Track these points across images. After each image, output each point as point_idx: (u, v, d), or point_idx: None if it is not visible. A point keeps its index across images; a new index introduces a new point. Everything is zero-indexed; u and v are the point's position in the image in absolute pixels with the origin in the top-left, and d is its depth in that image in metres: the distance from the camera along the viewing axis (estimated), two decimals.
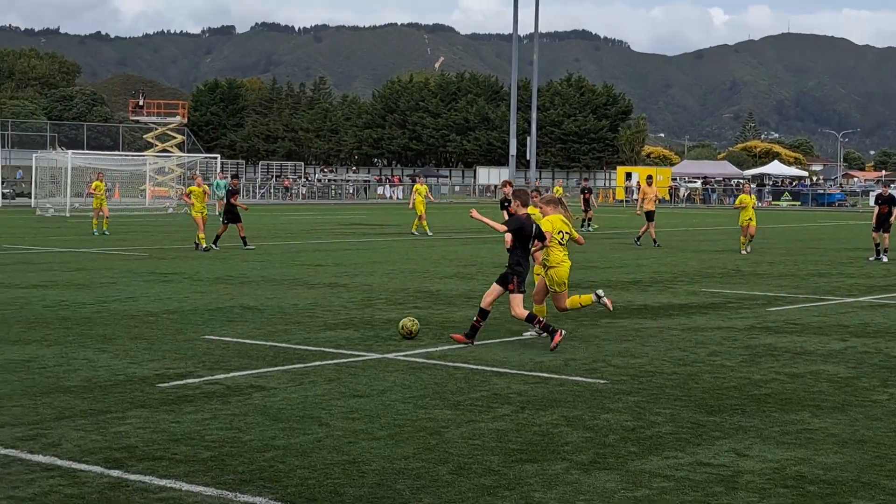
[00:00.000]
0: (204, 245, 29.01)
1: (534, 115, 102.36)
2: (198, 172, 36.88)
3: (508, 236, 13.53)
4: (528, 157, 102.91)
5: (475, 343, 13.71)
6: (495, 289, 13.68)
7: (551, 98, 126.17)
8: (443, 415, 9.75)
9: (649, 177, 37.17)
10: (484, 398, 10.51)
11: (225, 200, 31.95)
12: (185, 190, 33.82)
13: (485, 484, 7.64)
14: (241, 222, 30.57)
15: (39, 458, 8.10)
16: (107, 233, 36.46)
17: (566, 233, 14.12)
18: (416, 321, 14.27)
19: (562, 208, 14.38)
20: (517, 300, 13.52)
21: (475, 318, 13.78)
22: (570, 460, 8.32)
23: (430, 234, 37.80)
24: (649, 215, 33.34)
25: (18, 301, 17.51)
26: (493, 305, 13.77)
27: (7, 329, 14.50)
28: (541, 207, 14.52)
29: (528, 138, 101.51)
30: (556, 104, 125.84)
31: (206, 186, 31.40)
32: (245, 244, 29.95)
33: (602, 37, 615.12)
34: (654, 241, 33.03)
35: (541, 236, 13.78)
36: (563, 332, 13.44)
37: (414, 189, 40.60)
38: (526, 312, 13.56)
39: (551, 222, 14.07)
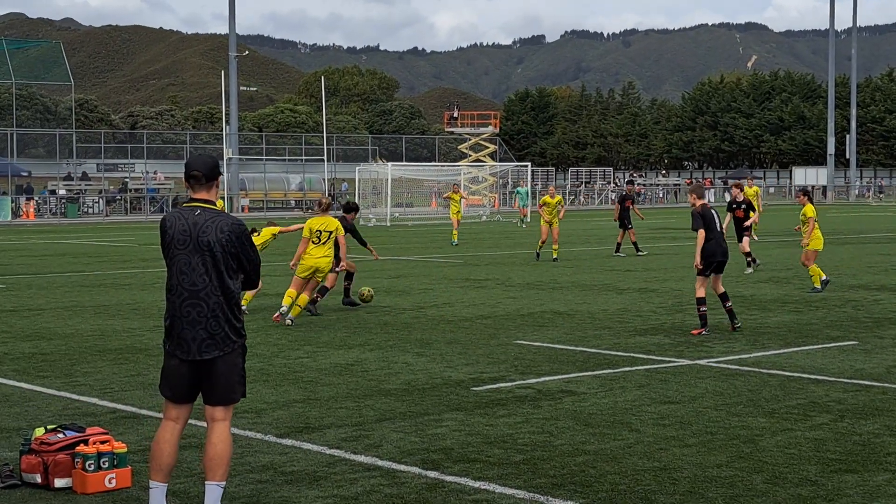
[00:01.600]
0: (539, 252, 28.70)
1: (853, 111, 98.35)
2: (552, 185, 36.55)
3: (701, 233, 15.07)
4: (847, 156, 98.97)
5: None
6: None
7: (871, 94, 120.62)
8: (757, 423, 9.54)
9: None
10: (800, 406, 10.21)
11: (622, 209, 31.11)
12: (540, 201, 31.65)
13: (801, 494, 7.43)
14: (632, 228, 30.83)
15: (362, 458, 8.50)
16: (455, 242, 36.06)
17: (323, 231, 16.36)
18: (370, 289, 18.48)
19: (328, 213, 16.74)
20: (697, 281, 15.29)
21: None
22: (893, 471, 7.96)
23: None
24: None
25: (343, 307, 18.38)
26: (704, 292, 15.16)
27: (333, 334, 15.28)
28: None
29: (848, 136, 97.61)
30: (877, 100, 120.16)
31: (559, 197, 30.01)
32: (637, 250, 30.11)
33: None
34: None
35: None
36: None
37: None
38: (700, 293, 15.05)
39: (308, 224, 16.42)
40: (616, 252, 30.11)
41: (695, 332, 15.03)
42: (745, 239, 24.99)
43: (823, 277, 20.67)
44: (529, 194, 56.74)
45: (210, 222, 6.93)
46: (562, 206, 29.97)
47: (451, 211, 39.09)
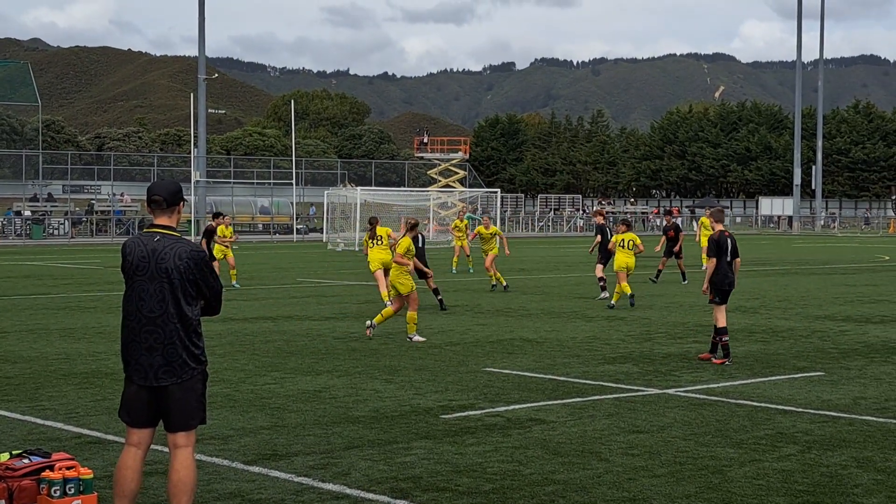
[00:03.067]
0: (504, 284, 27.54)
1: (819, 143, 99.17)
2: (487, 216, 35.99)
3: (712, 261, 15.21)
4: (813, 187, 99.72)
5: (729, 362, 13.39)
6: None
7: (837, 126, 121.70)
8: (725, 453, 9.55)
9: None
10: (768, 437, 10.23)
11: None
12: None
13: None
14: (682, 257, 30.90)
15: (330, 486, 8.45)
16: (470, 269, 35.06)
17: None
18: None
19: (409, 231, 18.02)
20: (716, 310, 15.20)
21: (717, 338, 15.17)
22: (859, 503, 7.99)
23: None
24: None
25: (311, 333, 18.32)
26: (725, 321, 15.21)
27: (300, 360, 15.20)
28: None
29: (814, 167, 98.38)
30: (843, 132, 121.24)
31: (494, 228, 29.14)
32: (683, 278, 30.28)
33: (892, 61, 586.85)
34: None
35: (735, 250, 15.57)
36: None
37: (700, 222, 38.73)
38: (721, 323, 15.01)
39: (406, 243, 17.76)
40: (655, 279, 29.91)
41: (717, 360, 14.97)
42: (599, 266, 25.67)
43: (630, 293, 22.80)
44: (475, 221, 56.93)
45: (169, 249, 6.92)
46: (503, 239, 28.57)
47: (456, 240, 37.66)
